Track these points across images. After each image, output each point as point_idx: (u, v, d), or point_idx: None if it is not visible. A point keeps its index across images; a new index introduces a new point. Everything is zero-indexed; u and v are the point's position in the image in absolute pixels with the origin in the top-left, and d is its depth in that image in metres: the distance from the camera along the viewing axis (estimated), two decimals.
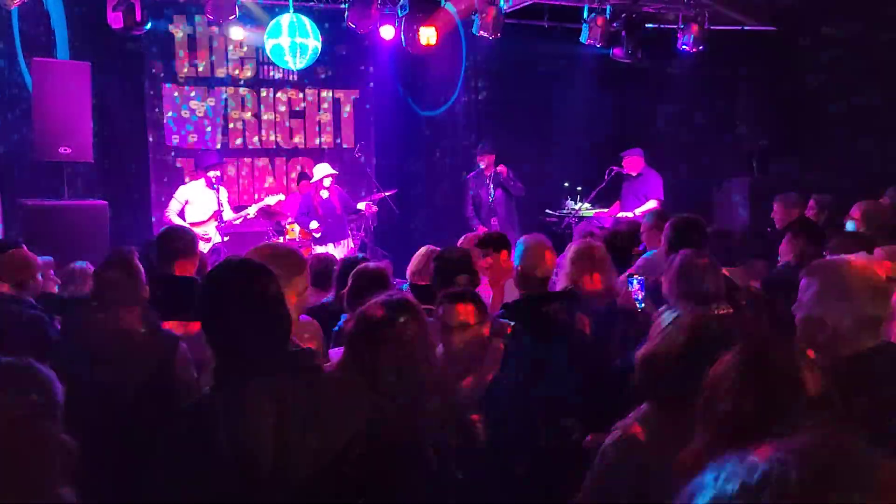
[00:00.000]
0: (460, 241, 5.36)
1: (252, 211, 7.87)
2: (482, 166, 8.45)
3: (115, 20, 6.68)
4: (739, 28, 9.02)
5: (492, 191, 8.40)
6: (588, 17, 8.44)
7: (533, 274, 3.56)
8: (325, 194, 8.28)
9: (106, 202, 6.83)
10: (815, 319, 2.14)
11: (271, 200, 8.14)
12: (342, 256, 8.16)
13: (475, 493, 2.30)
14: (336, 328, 3.48)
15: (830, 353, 2.11)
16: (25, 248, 4.08)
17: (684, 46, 8.76)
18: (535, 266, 3.59)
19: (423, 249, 4.68)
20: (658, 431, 1.94)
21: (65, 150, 6.47)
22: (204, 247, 7.43)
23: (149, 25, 6.97)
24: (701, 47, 8.69)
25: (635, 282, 3.84)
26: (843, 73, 8.24)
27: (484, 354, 2.73)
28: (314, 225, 8.22)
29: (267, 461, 1.63)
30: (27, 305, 3.55)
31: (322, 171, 8.38)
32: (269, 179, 9.75)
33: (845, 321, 2.09)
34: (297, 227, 8.22)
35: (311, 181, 8.45)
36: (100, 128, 7.08)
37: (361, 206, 8.59)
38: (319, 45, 8.01)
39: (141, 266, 3.14)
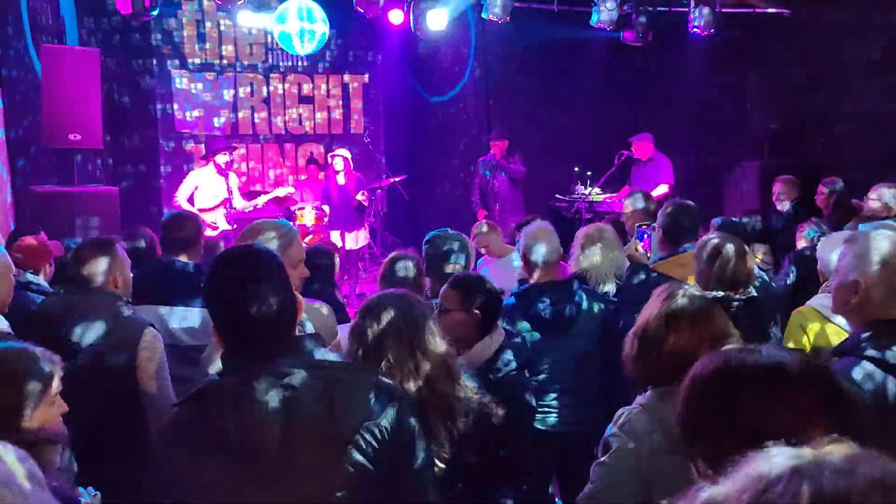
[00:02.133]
0: (473, 230, 5.34)
1: (261, 202, 7.85)
2: (493, 151, 8.43)
3: (125, 6, 6.67)
4: (751, 10, 8.92)
5: (493, 175, 8.38)
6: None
7: (533, 260, 3.56)
8: (341, 180, 8.24)
9: (116, 188, 6.86)
10: (849, 283, 2.14)
11: (280, 192, 8.13)
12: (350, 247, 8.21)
13: (484, 477, 2.31)
14: None
15: (861, 317, 2.14)
16: (44, 235, 4.11)
17: (696, 29, 8.68)
18: (533, 251, 3.58)
19: None
20: (661, 420, 1.93)
21: (74, 136, 6.48)
22: (210, 234, 7.44)
23: (157, 11, 6.95)
24: (712, 30, 8.61)
25: (645, 235, 3.92)
26: (856, 56, 8.15)
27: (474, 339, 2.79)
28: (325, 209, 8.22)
29: (274, 448, 1.63)
30: (36, 290, 3.57)
31: (338, 157, 8.37)
32: (289, 182, 9.56)
33: (878, 287, 2.10)
34: (307, 213, 8.22)
35: (332, 168, 8.40)
36: (109, 114, 7.09)
37: (360, 196, 8.35)
38: (328, 31, 7.99)
39: (124, 252, 3.14)
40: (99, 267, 2.99)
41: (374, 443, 1.70)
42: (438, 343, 2.26)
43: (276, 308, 1.73)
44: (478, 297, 2.82)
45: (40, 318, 3.00)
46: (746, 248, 3.31)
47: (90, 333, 2.88)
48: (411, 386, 2.14)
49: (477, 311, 2.81)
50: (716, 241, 3.24)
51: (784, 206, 6.60)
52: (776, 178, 6.78)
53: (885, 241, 2.13)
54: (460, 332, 2.76)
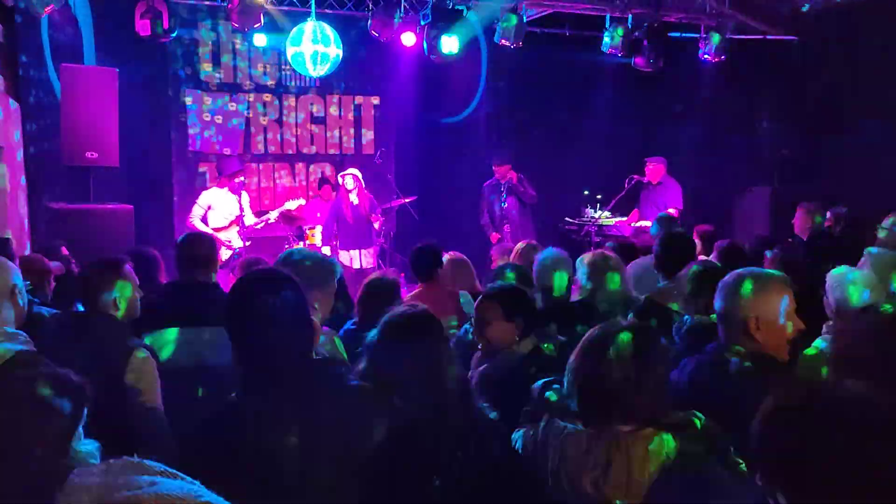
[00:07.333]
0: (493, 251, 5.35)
1: (273, 216, 7.90)
2: (497, 176, 8.50)
3: (143, 28, 6.78)
4: (761, 37, 8.99)
5: (503, 199, 8.44)
6: (610, 26, 8.45)
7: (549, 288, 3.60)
8: (354, 200, 8.30)
9: (131, 206, 6.93)
10: None
11: (292, 205, 8.18)
12: (364, 266, 8.26)
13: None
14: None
15: None
16: (65, 250, 4.16)
17: (706, 56, 8.75)
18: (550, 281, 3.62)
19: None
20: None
21: (92, 154, 6.58)
22: (225, 252, 7.50)
23: (175, 33, 7.06)
24: (723, 56, 8.67)
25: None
26: (864, 82, 8.18)
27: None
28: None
29: (291, 468, 1.67)
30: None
31: (349, 175, 8.42)
32: (299, 202, 9.46)
33: None
34: (318, 233, 8.28)
35: (343, 188, 8.44)
36: (125, 133, 7.18)
37: (376, 225, 8.43)
38: (340, 53, 8.08)
39: (133, 274, 3.07)
40: (103, 290, 2.92)
41: (387, 464, 1.73)
42: (453, 366, 2.28)
43: (292, 331, 1.78)
44: (518, 305, 2.84)
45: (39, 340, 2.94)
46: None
47: (83, 358, 2.63)
48: (424, 409, 2.16)
49: (520, 320, 2.83)
50: (700, 267, 3.25)
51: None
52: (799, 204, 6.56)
53: None
54: (505, 342, 2.80)
